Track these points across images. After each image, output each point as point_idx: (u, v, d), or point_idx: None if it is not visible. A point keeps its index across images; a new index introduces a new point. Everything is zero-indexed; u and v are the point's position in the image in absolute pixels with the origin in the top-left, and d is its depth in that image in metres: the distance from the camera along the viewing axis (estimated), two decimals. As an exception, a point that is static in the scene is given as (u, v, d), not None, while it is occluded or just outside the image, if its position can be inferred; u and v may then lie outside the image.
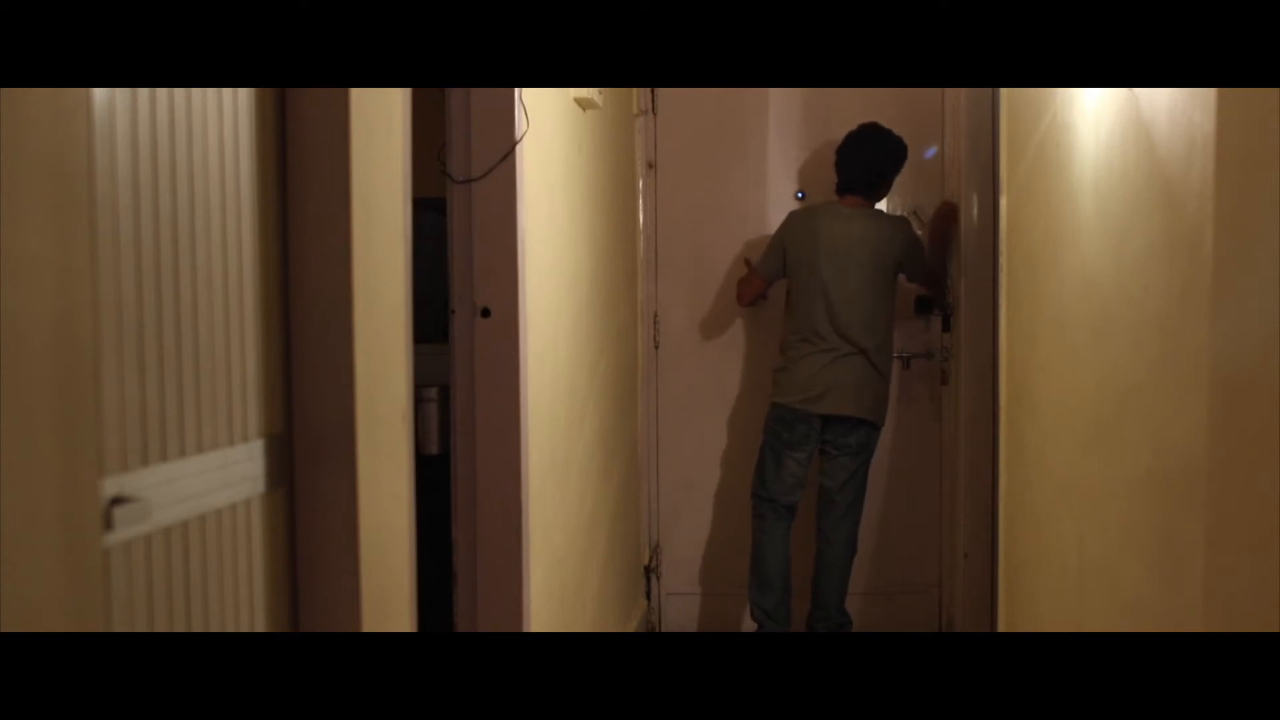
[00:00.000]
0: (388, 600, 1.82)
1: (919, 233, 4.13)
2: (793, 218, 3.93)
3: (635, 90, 4.23)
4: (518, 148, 2.48)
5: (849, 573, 3.89)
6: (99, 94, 1.22)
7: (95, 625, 1.19)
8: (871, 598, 4.25)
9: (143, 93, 1.32)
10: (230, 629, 1.51)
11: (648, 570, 4.38)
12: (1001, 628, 3.14)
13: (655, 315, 4.35)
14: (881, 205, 4.07)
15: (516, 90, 2.47)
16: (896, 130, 3.90)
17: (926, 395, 4.23)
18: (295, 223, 1.66)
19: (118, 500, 1.25)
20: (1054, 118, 2.38)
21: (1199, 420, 1.45)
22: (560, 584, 2.93)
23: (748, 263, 4.05)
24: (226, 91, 1.51)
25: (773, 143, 4.28)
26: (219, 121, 1.49)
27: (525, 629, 2.52)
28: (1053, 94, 2.39)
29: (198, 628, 1.43)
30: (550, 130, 2.83)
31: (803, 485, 3.87)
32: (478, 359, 2.51)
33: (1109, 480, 1.93)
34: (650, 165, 4.32)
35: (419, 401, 3.18)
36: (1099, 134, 2.00)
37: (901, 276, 3.88)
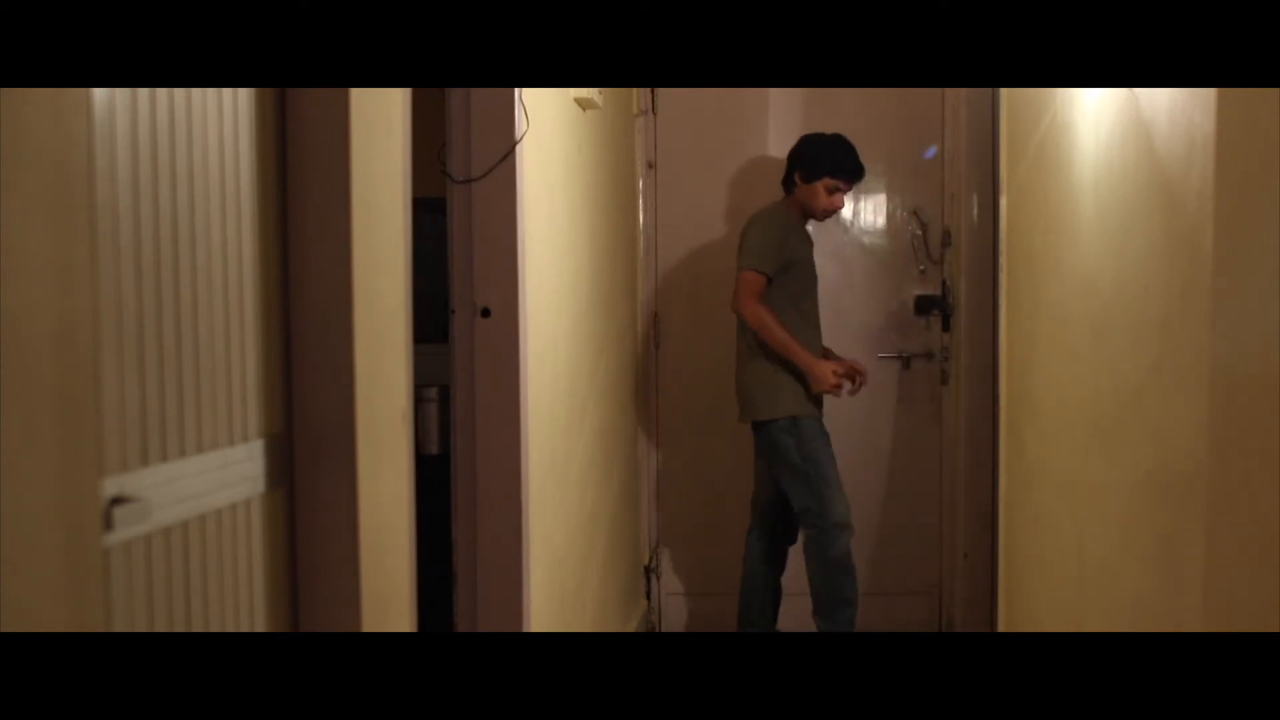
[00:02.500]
0: (388, 600, 1.82)
1: (919, 232, 4.14)
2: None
3: (635, 90, 4.23)
4: (518, 148, 2.48)
5: (823, 583, 3.64)
6: (99, 94, 1.22)
7: (95, 625, 1.18)
8: (871, 598, 4.25)
9: (143, 93, 1.32)
10: (230, 629, 1.51)
11: (648, 570, 4.38)
12: (1001, 628, 3.14)
13: (655, 315, 4.35)
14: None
15: (516, 90, 2.47)
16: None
17: (926, 396, 4.23)
18: (295, 223, 1.66)
19: (118, 500, 1.25)
20: (1054, 118, 2.38)
21: (1199, 421, 1.45)
22: (560, 584, 2.93)
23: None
24: (226, 91, 1.51)
25: (773, 143, 4.28)
26: (219, 121, 1.49)
27: (525, 629, 2.52)
28: (1053, 94, 2.39)
29: (198, 628, 1.43)
30: (550, 130, 2.83)
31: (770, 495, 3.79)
32: (478, 359, 2.51)
33: (1109, 481, 1.93)
34: (650, 165, 4.32)
35: (419, 401, 3.18)
36: (1099, 134, 2.00)
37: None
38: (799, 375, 3.58)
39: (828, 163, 3.62)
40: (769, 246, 3.57)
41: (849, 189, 3.67)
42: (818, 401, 3.65)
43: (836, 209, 3.68)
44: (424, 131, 2.17)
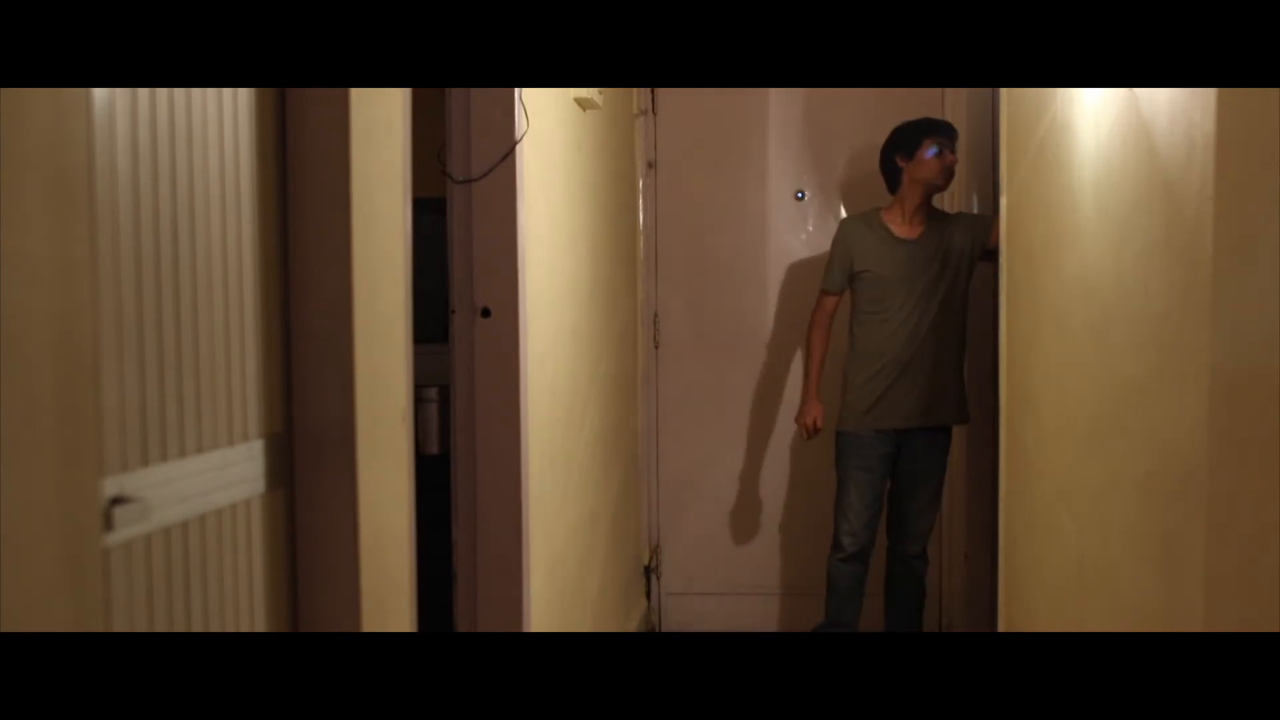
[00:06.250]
0: (388, 600, 1.82)
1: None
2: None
3: (635, 90, 4.23)
4: (518, 148, 2.48)
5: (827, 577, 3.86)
6: (99, 94, 1.22)
7: (95, 625, 1.19)
8: (872, 598, 4.24)
9: (143, 93, 1.32)
10: (230, 629, 1.51)
11: (648, 570, 4.38)
12: (1001, 628, 3.13)
13: (655, 315, 4.35)
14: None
15: (516, 90, 2.47)
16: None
17: (926, 395, 4.22)
18: (295, 223, 1.66)
19: (118, 500, 1.25)
20: (1054, 118, 2.38)
21: (1199, 421, 1.45)
22: (560, 584, 2.93)
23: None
24: (226, 91, 1.51)
25: (773, 143, 4.28)
26: (219, 121, 1.49)
27: (525, 629, 2.52)
28: (1053, 94, 2.39)
29: (198, 628, 1.43)
30: (550, 130, 2.83)
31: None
32: (478, 359, 2.51)
33: (1109, 481, 1.93)
34: (650, 165, 4.31)
35: (419, 401, 3.18)
36: (1099, 134, 2.00)
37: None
38: (862, 388, 3.69)
39: (915, 129, 3.69)
40: (830, 263, 3.78)
41: (950, 145, 3.69)
42: (895, 414, 3.70)
43: (951, 165, 3.69)
44: (424, 131, 2.18)
